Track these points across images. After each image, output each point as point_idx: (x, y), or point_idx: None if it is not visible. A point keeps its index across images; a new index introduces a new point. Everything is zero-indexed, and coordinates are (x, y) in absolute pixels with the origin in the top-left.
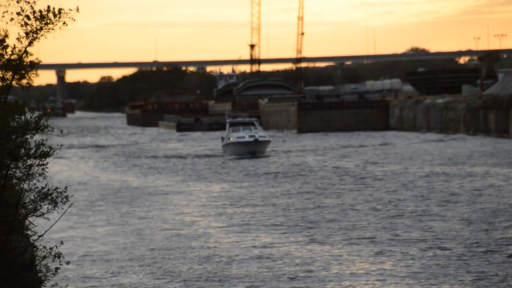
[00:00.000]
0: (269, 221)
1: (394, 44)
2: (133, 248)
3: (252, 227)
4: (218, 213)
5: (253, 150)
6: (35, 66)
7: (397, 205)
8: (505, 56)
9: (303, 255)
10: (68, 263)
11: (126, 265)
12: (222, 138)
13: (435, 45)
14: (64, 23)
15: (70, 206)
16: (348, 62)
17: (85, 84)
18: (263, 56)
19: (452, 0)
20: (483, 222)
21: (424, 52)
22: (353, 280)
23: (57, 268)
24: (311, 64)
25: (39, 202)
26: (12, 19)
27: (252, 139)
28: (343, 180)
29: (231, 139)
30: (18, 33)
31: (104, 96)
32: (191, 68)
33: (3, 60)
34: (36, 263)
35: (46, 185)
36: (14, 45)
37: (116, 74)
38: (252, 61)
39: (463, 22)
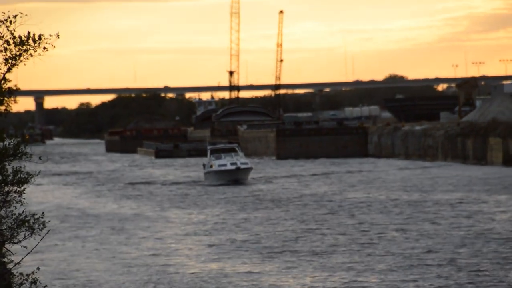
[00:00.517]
0: (247, 247)
1: (373, 71)
2: (111, 274)
3: (232, 254)
4: (197, 239)
5: (235, 178)
6: (14, 92)
7: (373, 233)
8: (483, 83)
9: (277, 282)
10: (45, 287)
11: None
12: (204, 165)
13: (413, 72)
14: (44, 48)
15: (47, 233)
16: (327, 89)
17: (63, 111)
18: (242, 82)
19: (430, 27)
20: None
21: (402, 79)
22: None
23: None
24: (290, 91)
25: (16, 229)
26: None
27: (234, 167)
28: (323, 206)
29: (213, 167)
30: None
31: (83, 123)
32: (170, 95)
33: None
34: None
35: (23, 211)
36: None
37: (95, 100)
38: (231, 87)
39: (441, 50)
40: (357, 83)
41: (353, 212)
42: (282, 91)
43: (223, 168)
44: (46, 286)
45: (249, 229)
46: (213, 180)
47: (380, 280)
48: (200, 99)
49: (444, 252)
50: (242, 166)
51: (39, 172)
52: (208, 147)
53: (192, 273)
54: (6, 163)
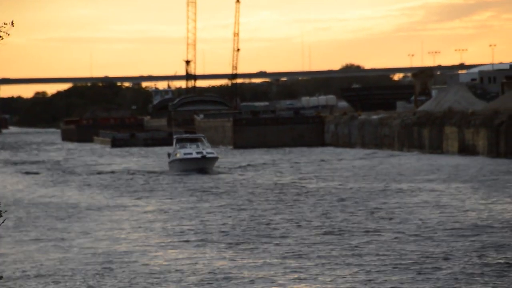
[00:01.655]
0: (205, 236)
1: (330, 61)
2: (67, 264)
3: (190, 243)
4: (154, 228)
5: (200, 166)
6: None
7: (332, 220)
8: (438, 73)
9: (232, 270)
10: (0, 278)
11: (59, 281)
12: (169, 154)
13: (370, 61)
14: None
15: (3, 222)
16: (284, 78)
17: (19, 100)
18: (199, 72)
19: (386, 17)
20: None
21: (358, 68)
22: None
23: None
24: (247, 80)
25: None
26: None
27: (199, 156)
28: (284, 195)
29: (178, 155)
30: None
31: (39, 112)
32: (127, 84)
33: None
34: None
35: None
36: None
37: (51, 89)
38: (188, 76)
39: (398, 39)
40: (314, 72)
41: (314, 201)
42: (238, 81)
43: (188, 156)
44: (1, 278)
45: (207, 218)
46: (178, 168)
47: (323, 268)
48: (156, 88)
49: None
50: (208, 155)
51: None
52: (174, 136)
53: (149, 263)
54: None
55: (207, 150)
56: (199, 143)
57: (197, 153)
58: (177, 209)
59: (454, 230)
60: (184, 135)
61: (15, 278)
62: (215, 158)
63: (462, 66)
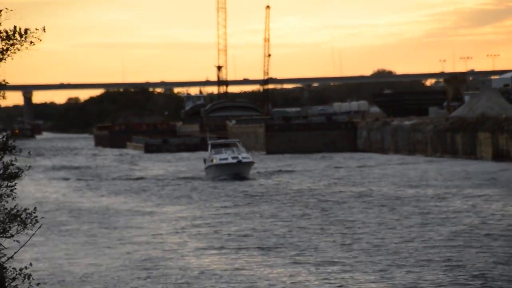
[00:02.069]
0: (244, 242)
1: (360, 66)
2: (104, 269)
3: (230, 249)
4: (192, 234)
5: (236, 171)
6: (2, 87)
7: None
8: (471, 78)
9: (272, 276)
10: (38, 284)
11: (97, 285)
12: (204, 160)
13: (401, 67)
14: (31, 42)
15: (40, 227)
16: (315, 84)
17: (52, 105)
18: (230, 77)
19: (417, 22)
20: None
21: (390, 74)
22: None
23: None
24: (278, 86)
25: (8, 223)
26: None
27: (235, 161)
28: (325, 201)
29: (214, 161)
30: None
31: (72, 117)
32: (159, 90)
33: None
34: (6, 284)
35: (15, 206)
36: None
37: (84, 95)
38: (219, 82)
39: (429, 45)
40: (346, 78)
41: (352, 207)
42: (270, 86)
43: (224, 161)
44: (39, 284)
45: (247, 224)
46: (214, 174)
47: (379, 277)
48: (188, 94)
49: (434, 248)
50: (244, 160)
51: (30, 166)
52: (209, 142)
53: (185, 268)
54: None
55: (243, 155)
56: (234, 148)
57: (233, 158)
58: (212, 214)
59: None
60: (219, 141)
61: (51, 284)
62: (251, 163)
63: (494, 71)
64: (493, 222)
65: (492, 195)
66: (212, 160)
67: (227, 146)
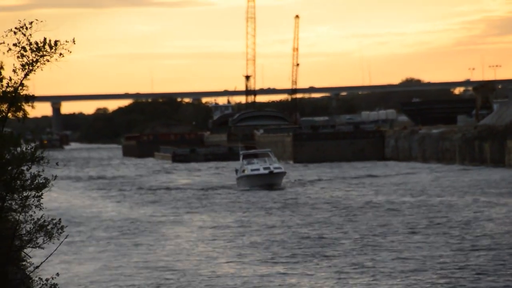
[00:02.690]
0: (275, 251)
1: (389, 75)
2: (130, 279)
3: (256, 257)
4: (223, 245)
5: (268, 182)
6: (31, 98)
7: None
8: (500, 86)
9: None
10: None
11: None
12: (236, 170)
13: (430, 75)
14: (60, 54)
15: (66, 238)
16: (344, 93)
17: (80, 116)
18: (258, 86)
19: (446, 31)
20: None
21: (418, 82)
22: None
23: None
24: (306, 95)
25: (34, 234)
26: (9, 49)
27: (267, 171)
28: (360, 210)
29: (246, 171)
30: (14, 65)
31: (100, 128)
32: (187, 100)
33: None
34: None
35: (41, 216)
36: (10, 77)
37: (112, 105)
38: (248, 92)
39: (458, 53)
40: (374, 87)
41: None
42: (298, 95)
43: (256, 172)
44: None
45: (275, 232)
46: (246, 184)
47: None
48: (216, 104)
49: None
50: (276, 170)
51: (56, 176)
52: (241, 152)
53: (212, 276)
54: (25, 168)
55: (274, 165)
56: (266, 158)
57: (265, 168)
58: (243, 223)
59: None
60: (251, 151)
61: None
62: (283, 173)
63: None
64: None
65: None
66: (243, 171)
67: (258, 156)
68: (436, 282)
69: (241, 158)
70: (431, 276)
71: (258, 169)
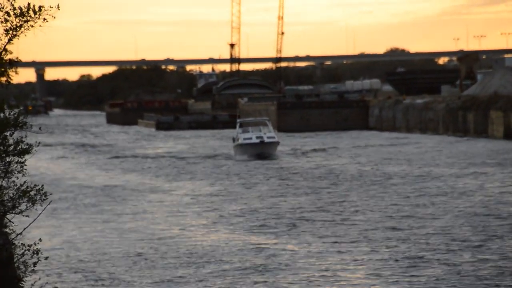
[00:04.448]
0: (257, 221)
1: (374, 44)
2: (113, 245)
3: (243, 226)
4: (204, 212)
5: (259, 151)
6: (14, 64)
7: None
8: (484, 57)
9: (287, 253)
10: (46, 258)
11: (106, 262)
12: (233, 139)
13: (415, 45)
14: (44, 20)
15: (49, 204)
16: (328, 62)
17: (64, 82)
18: (243, 55)
19: (430, 0)
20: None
21: (403, 52)
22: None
23: (35, 263)
24: (291, 64)
25: (17, 200)
26: None
27: (258, 141)
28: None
29: (239, 140)
30: None
31: (84, 94)
32: (171, 67)
33: None
34: (15, 260)
35: (25, 182)
36: None
37: (96, 72)
38: (232, 60)
39: (442, 23)
40: (359, 56)
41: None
42: (283, 64)
43: (247, 141)
44: (47, 257)
45: (263, 202)
46: (240, 153)
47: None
48: (201, 72)
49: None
50: (267, 140)
51: (40, 143)
52: (238, 120)
53: (195, 244)
54: (8, 134)
55: (268, 134)
56: (262, 127)
57: (257, 137)
58: (230, 193)
59: None
60: (248, 119)
61: (59, 259)
62: (276, 143)
63: (508, 50)
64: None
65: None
66: (237, 139)
67: (254, 125)
68: (418, 255)
69: (237, 126)
70: (416, 246)
71: (250, 138)
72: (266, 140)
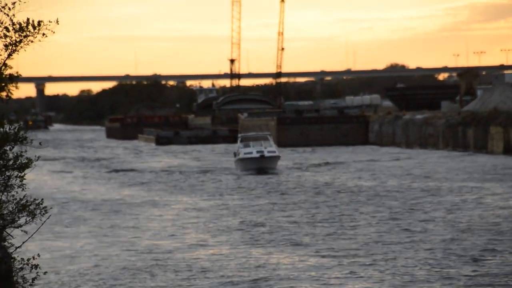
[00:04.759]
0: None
1: (373, 60)
2: (113, 259)
3: (242, 240)
4: (203, 225)
5: (260, 166)
6: (15, 79)
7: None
8: (484, 73)
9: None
10: (45, 273)
11: (105, 275)
12: (234, 153)
13: (414, 61)
14: (43, 35)
15: (48, 218)
16: (328, 78)
17: (64, 97)
18: (243, 70)
19: (430, 17)
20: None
21: (403, 68)
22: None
23: (34, 279)
24: (291, 79)
25: (17, 214)
26: None
27: (258, 155)
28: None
29: (240, 154)
30: None
31: (84, 109)
32: (171, 82)
33: None
34: (13, 274)
35: (24, 196)
36: None
37: (96, 87)
38: (232, 75)
39: (442, 39)
40: (358, 72)
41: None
42: (283, 80)
43: (248, 156)
44: (46, 272)
45: (262, 217)
46: (241, 168)
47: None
48: (201, 87)
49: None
50: (268, 154)
51: (39, 157)
52: (239, 135)
53: (194, 258)
54: (7, 149)
55: (269, 148)
56: (263, 142)
57: (257, 152)
58: (230, 206)
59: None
60: (250, 134)
61: (58, 273)
62: (276, 157)
63: (507, 66)
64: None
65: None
66: (238, 154)
67: (256, 139)
68: (416, 265)
69: (238, 141)
70: (414, 259)
71: (251, 152)
72: (266, 154)
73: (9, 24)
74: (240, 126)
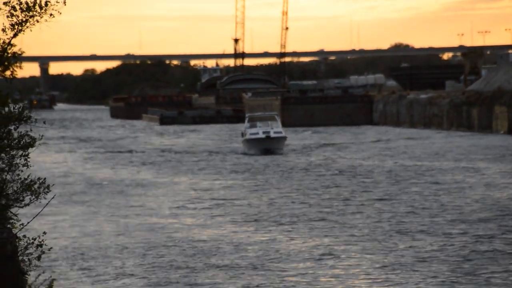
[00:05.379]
0: (257, 216)
1: (378, 40)
2: (117, 239)
3: (241, 221)
4: (207, 206)
5: (266, 147)
6: (19, 58)
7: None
8: (488, 52)
9: (289, 248)
10: (50, 249)
11: (110, 254)
12: (242, 133)
13: (419, 41)
14: (50, 15)
15: (53, 197)
16: (332, 57)
17: (68, 77)
18: (247, 50)
19: None
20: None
21: (407, 47)
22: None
23: (39, 256)
24: (295, 59)
25: (21, 193)
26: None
27: (264, 136)
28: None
29: (246, 135)
30: (3, 24)
31: (88, 89)
32: (175, 62)
33: None
34: (19, 253)
35: (28, 176)
36: None
37: (100, 67)
38: (236, 55)
39: (446, 19)
40: (363, 51)
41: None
42: (287, 59)
43: (254, 136)
44: (51, 248)
45: (262, 198)
46: (247, 148)
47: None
48: (205, 67)
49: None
50: (274, 135)
51: (43, 136)
52: (247, 115)
53: (197, 239)
54: (12, 128)
55: (275, 129)
56: (270, 122)
57: (263, 132)
58: (236, 187)
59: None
60: (257, 114)
61: (63, 252)
62: (283, 138)
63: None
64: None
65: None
66: (245, 134)
67: (262, 119)
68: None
69: (246, 120)
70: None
71: (257, 133)
72: (272, 135)
73: (17, 3)
74: (245, 105)
